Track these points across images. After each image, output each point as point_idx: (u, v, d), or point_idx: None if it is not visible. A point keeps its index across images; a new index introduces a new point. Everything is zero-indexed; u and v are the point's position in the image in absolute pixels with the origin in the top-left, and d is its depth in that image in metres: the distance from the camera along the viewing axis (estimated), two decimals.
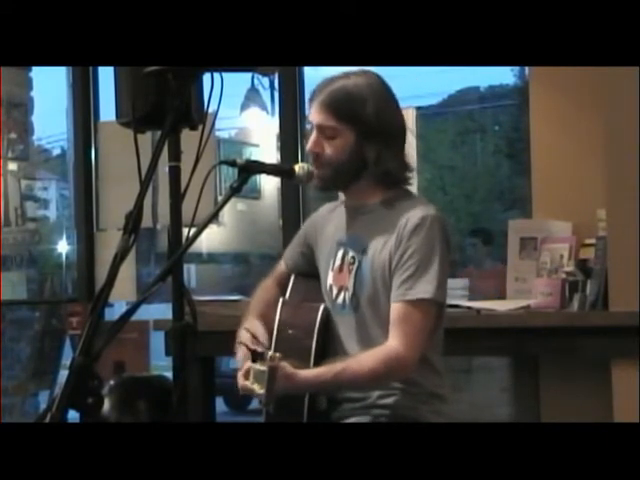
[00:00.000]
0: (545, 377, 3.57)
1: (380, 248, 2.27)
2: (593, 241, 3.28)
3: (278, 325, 2.32)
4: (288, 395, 2.13)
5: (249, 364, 2.15)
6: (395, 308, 2.22)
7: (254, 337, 2.31)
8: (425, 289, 2.20)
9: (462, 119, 11.62)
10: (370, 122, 2.26)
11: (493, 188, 11.11)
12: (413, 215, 2.24)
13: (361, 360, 2.20)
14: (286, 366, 2.10)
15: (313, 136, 2.31)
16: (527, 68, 3.82)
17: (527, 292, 3.42)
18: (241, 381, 2.18)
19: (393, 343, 2.19)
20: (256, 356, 2.16)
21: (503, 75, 9.68)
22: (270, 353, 2.10)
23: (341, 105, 2.27)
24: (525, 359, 3.64)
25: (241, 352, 2.30)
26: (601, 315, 3.11)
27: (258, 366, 2.09)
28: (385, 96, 2.31)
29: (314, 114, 2.31)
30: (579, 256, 3.35)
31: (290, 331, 2.31)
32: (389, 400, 2.28)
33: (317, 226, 2.48)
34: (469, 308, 3.25)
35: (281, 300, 2.38)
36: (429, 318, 2.23)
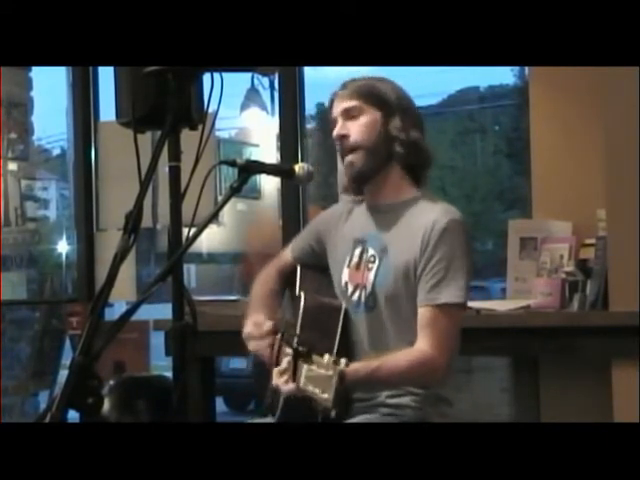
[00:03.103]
0: (545, 377, 3.57)
1: (403, 249, 2.26)
2: (593, 241, 3.27)
3: (301, 323, 2.29)
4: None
5: (291, 364, 2.05)
6: (424, 312, 2.21)
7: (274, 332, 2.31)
8: (455, 294, 2.20)
9: (462, 119, 11.63)
10: (393, 102, 2.30)
11: (493, 188, 11.12)
12: (439, 219, 2.23)
13: (397, 360, 2.18)
14: None
15: (338, 123, 2.32)
16: (527, 68, 3.82)
17: (527, 292, 3.42)
18: (282, 382, 2.08)
19: (424, 346, 2.19)
20: (301, 355, 2.02)
21: (503, 75, 9.70)
22: (332, 357, 1.94)
23: (365, 90, 2.31)
24: (525, 359, 3.63)
25: (268, 349, 2.30)
26: (601, 315, 3.10)
27: (321, 370, 1.96)
28: (407, 95, 2.35)
29: (338, 105, 2.33)
30: (579, 256, 3.35)
31: (312, 330, 2.28)
32: (397, 400, 2.27)
33: (332, 222, 2.47)
34: (469, 308, 3.25)
35: (302, 296, 2.34)
36: (457, 322, 2.24)
